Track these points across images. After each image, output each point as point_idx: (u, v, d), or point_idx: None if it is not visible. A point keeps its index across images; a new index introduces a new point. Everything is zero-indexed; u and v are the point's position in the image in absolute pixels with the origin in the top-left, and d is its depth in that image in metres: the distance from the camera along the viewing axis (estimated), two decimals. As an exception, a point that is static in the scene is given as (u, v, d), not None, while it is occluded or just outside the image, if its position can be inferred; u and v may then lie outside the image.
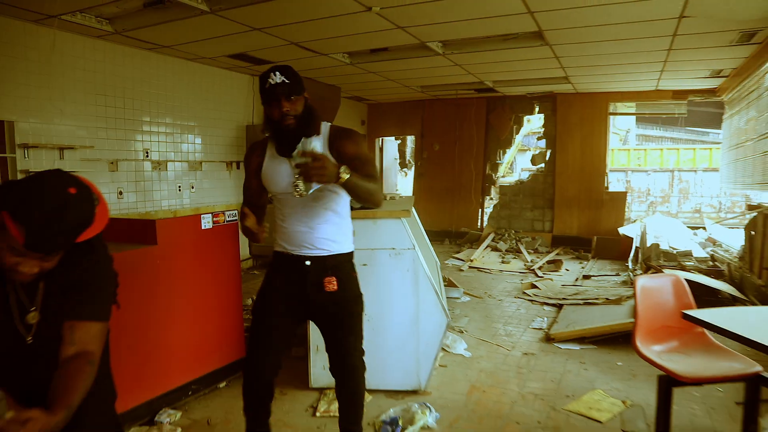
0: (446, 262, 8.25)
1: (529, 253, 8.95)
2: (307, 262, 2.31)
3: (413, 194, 10.76)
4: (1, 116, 4.87)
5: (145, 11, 5.03)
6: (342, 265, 2.38)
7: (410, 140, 13.43)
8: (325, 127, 2.33)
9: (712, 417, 3.17)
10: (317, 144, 2.25)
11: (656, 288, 2.99)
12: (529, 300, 6.03)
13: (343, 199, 2.37)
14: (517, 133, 10.91)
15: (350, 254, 2.44)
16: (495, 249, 9.22)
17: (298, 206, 2.30)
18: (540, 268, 7.82)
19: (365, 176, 2.17)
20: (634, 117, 20.90)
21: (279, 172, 2.29)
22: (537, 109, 10.01)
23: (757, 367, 2.63)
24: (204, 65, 7.20)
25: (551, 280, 7.01)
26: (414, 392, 3.41)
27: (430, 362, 3.43)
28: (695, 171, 15.78)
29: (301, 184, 2.07)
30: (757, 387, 2.76)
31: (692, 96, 9.02)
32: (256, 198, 2.43)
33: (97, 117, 5.81)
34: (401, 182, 14.12)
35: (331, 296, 2.32)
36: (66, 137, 5.47)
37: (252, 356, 2.40)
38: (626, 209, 9.70)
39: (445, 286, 5.89)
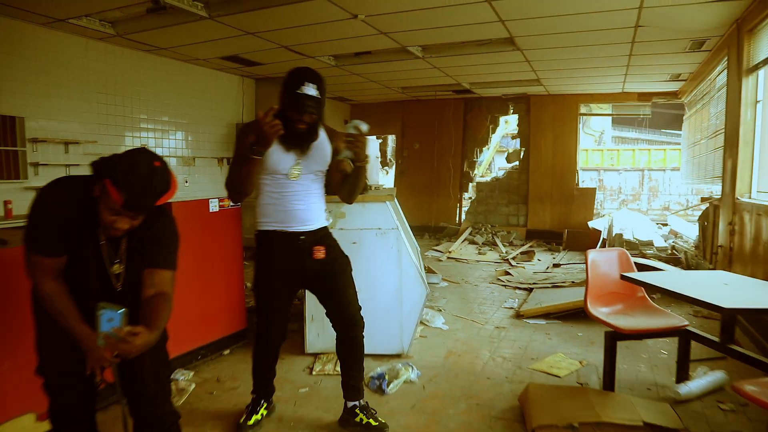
0: (426, 253, 8.72)
1: (504, 245, 9.47)
2: (302, 237, 2.65)
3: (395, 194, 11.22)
4: (12, 113, 5.22)
5: (147, 16, 5.42)
6: (326, 235, 2.78)
7: (391, 139, 13.87)
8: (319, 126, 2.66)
9: (654, 372, 3.68)
10: (323, 137, 2.66)
11: (604, 260, 3.51)
12: (502, 285, 6.53)
13: (322, 182, 2.78)
14: (493, 132, 11.45)
15: (328, 227, 2.84)
16: (472, 242, 9.73)
17: (296, 187, 2.62)
18: (514, 258, 8.34)
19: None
20: (610, 119, 21.73)
21: (282, 157, 2.57)
22: (512, 109, 10.57)
23: (685, 323, 3.15)
24: (197, 66, 7.59)
25: (523, 268, 7.54)
26: (398, 356, 3.87)
27: (411, 329, 3.89)
28: (664, 170, 16.52)
29: (346, 152, 2.48)
30: (687, 341, 3.30)
31: (656, 98, 9.65)
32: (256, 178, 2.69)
33: (99, 114, 6.19)
34: (383, 180, 14.57)
35: (322, 262, 2.70)
36: (71, 133, 5.84)
37: (264, 327, 2.76)
38: (595, 204, 10.28)
39: (426, 271, 6.38)
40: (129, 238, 1.97)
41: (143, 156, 1.81)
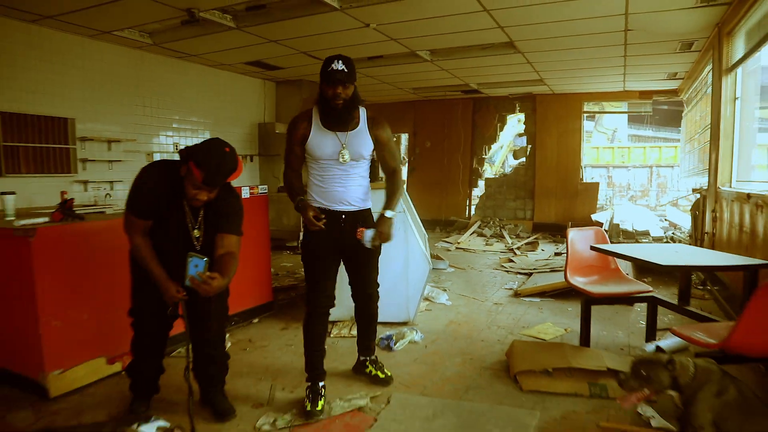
0: (436, 244, 9.26)
1: (511, 237, 9.97)
2: (343, 216, 2.92)
3: (406, 187, 11.79)
4: (64, 114, 5.90)
5: (182, 27, 6.05)
6: (367, 218, 3.02)
7: (404, 138, 14.43)
8: (362, 111, 2.92)
9: (630, 338, 4.19)
10: (363, 127, 2.93)
11: (582, 237, 4.03)
12: (505, 271, 7.06)
13: (367, 170, 3.09)
14: (501, 130, 11.94)
15: (370, 209, 3.09)
16: (481, 234, 10.24)
17: (337, 171, 2.88)
18: (519, 248, 8.85)
19: (392, 184, 3.06)
20: (625, 118, 22.07)
21: (325, 142, 2.83)
22: (518, 108, 11.07)
23: (650, 289, 3.67)
24: (223, 71, 8.24)
25: (526, 256, 8.05)
26: (404, 323, 4.43)
27: (416, 300, 4.45)
28: (672, 167, 16.83)
29: (376, 242, 2.87)
30: (654, 307, 3.81)
31: (656, 96, 10.08)
32: (298, 164, 2.98)
33: (136, 115, 6.85)
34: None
35: (359, 242, 2.88)
36: (113, 132, 6.51)
37: (314, 292, 2.98)
38: (600, 199, 10.74)
39: (433, 259, 6.94)
40: (206, 210, 2.58)
41: (217, 144, 2.42)
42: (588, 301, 3.68)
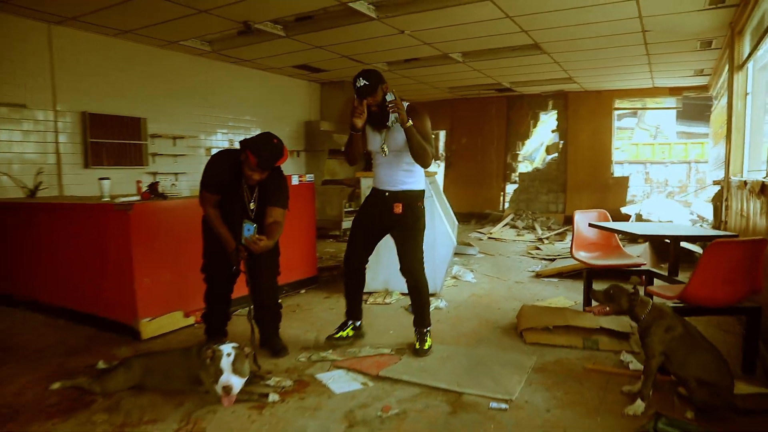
0: (470, 234, 9.83)
1: (542, 229, 10.44)
2: (387, 194, 3.52)
3: (444, 181, 12.39)
4: (138, 114, 6.79)
5: (238, 36, 6.84)
6: (408, 197, 3.51)
7: (442, 135, 15.00)
8: (404, 104, 3.35)
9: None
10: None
11: (587, 219, 4.57)
12: (531, 257, 7.59)
13: (405, 156, 3.58)
14: (534, 126, 12.37)
15: (417, 191, 3.55)
16: (513, 226, 10.75)
17: (382, 160, 3.51)
18: (548, 238, 9.33)
19: (423, 138, 3.44)
20: (674, 114, 21.95)
21: (372, 139, 3.52)
22: (550, 105, 11.50)
23: (643, 262, 4.20)
24: (272, 74, 9.04)
25: (553, 245, 8.54)
26: (432, 294, 5.01)
27: (443, 274, 5.08)
28: (707, 162, 16.81)
29: (392, 115, 3.32)
30: (650, 279, 4.32)
31: (686, 92, 10.36)
32: (360, 150, 3.59)
33: (197, 115, 7.72)
34: (436, 170, 15.76)
35: (398, 217, 3.49)
36: (177, 130, 7.37)
37: (348, 252, 3.69)
38: (628, 192, 11.08)
39: (463, 245, 7.55)
40: (259, 188, 3.29)
41: (267, 136, 3.14)
42: (589, 272, 4.24)
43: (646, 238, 3.86)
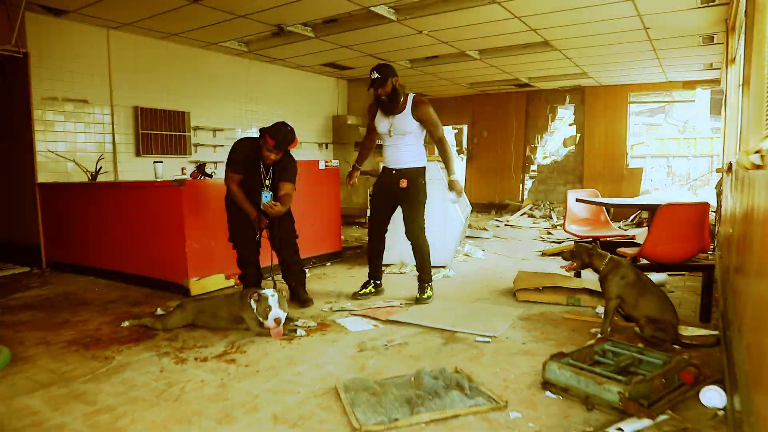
0: (488, 222, 10.38)
1: (559, 218, 10.91)
2: (393, 171, 4.26)
3: (465, 173, 12.96)
4: (183, 108, 7.58)
5: (272, 37, 7.55)
6: (412, 174, 4.20)
7: (464, 129, 15.54)
8: (410, 98, 4.11)
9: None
10: (407, 111, 4.20)
11: (578, 196, 5.12)
12: (541, 240, 8.12)
13: (417, 139, 4.23)
14: (552, 120, 12.82)
15: (419, 168, 4.23)
16: (531, 216, 11.26)
17: (389, 141, 4.22)
18: (561, 225, 9.81)
19: (442, 151, 4.25)
20: (708, 108, 22.01)
21: (381, 122, 4.19)
22: (567, 99, 11.94)
23: (633, 237, 4.73)
24: (302, 71, 9.75)
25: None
26: (443, 267, 5.67)
27: (453, 249, 5.70)
28: (734, 156, 16.89)
29: (451, 194, 4.25)
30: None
31: (700, 86, 10.69)
32: (371, 139, 4.47)
33: (235, 109, 8.48)
34: (459, 164, 16.29)
35: (403, 191, 4.21)
36: (217, 123, 8.15)
37: (370, 224, 4.50)
38: (641, 182, 11.46)
39: (478, 230, 8.14)
40: (274, 167, 4.01)
41: (282, 124, 3.89)
42: (577, 243, 4.78)
43: (617, 206, 4.37)
